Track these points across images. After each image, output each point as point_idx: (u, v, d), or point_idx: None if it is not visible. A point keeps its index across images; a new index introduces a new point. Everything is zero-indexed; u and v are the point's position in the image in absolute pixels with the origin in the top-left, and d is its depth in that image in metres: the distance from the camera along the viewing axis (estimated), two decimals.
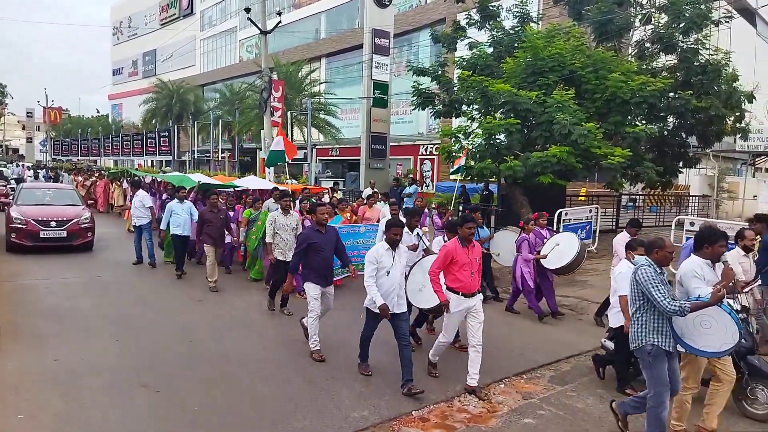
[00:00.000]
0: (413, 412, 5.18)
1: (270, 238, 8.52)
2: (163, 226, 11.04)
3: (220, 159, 39.14)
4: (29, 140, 67.08)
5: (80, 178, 26.25)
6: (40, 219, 12.31)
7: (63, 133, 66.32)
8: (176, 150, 41.80)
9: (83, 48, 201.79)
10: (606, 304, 7.78)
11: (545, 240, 9.09)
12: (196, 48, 57.45)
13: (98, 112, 71.21)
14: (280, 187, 12.35)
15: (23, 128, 74.32)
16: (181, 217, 10.75)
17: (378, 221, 10.50)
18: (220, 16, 54.61)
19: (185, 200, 11.10)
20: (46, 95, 54.23)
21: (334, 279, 8.97)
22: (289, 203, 8.85)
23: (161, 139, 40.43)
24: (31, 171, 36.77)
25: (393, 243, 5.87)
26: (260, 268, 10.58)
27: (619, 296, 5.84)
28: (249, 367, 6.09)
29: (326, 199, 14.90)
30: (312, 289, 6.55)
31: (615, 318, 6.11)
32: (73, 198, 14.36)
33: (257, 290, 9.89)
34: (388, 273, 5.79)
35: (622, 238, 7.76)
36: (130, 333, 7.15)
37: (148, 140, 42.04)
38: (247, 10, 18.10)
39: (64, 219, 12.53)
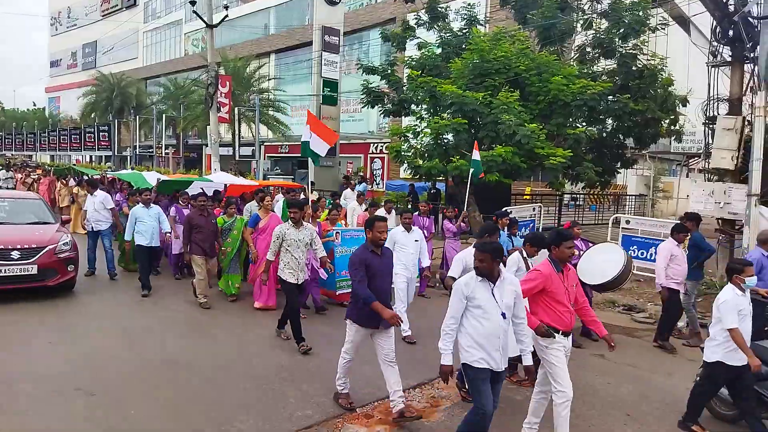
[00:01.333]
0: (357, 410, 5.19)
1: (272, 255, 6.77)
2: (128, 236, 9.48)
3: (163, 155, 38.04)
4: None
5: (20, 175, 23.93)
6: None
7: None
8: (116, 145, 40.41)
9: (18, 38, 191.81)
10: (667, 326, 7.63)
11: (581, 252, 7.94)
12: (139, 40, 55.53)
13: (35, 105, 68.08)
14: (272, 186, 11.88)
15: None
16: (148, 225, 9.27)
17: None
18: (165, 7, 53.03)
19: (151, 204, 9.61)
20: None
21: (339, 292, 8.59)
22: (298, 213, 6.84)
23: (101, 133, 39.07)
24: None
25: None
26: (234, 283, 9.02)
27: (730, 330, 4.67)
28: (199, 373, 5.94)
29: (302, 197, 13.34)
30: (354, 332, 5.10)
31: (712, 351, 4.92)
32: (41, 211, 9.70)
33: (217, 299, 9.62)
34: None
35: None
36: (69, 338, 6.86)
37: (87, 135, 40.54)
38: (193, 2, 17.63)
39: (33, 246, 8.25)
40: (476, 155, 10.94)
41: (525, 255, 6.14)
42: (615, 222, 12.97)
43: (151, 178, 13.27)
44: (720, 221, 10.20)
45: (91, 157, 45.92)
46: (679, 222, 8.04)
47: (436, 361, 4.15)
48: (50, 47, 72.91)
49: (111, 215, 10.45)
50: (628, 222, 12.04)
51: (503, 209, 13.21)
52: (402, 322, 5.03)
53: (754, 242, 8.78)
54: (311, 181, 13.63)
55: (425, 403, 5.45)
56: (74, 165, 35.14)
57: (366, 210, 11.29)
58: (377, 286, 4.95)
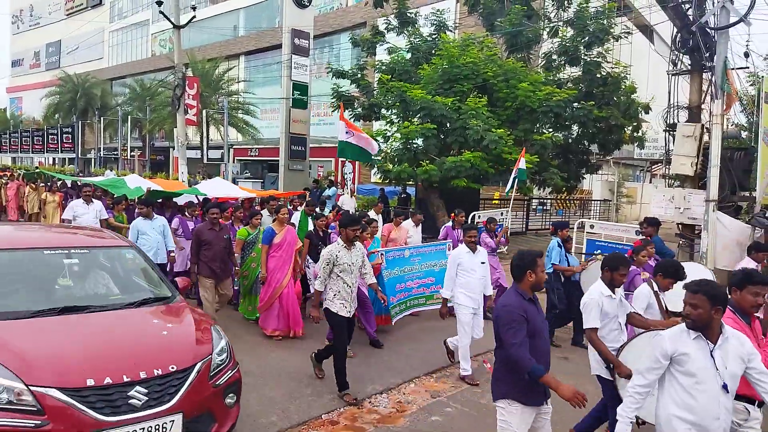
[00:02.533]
0: (323, 416, 5.15)
1: (321, 285, 5.53)
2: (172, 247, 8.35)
3: (129, 157, 37.28)
4: None
5: None
6: (77, 388, 3.36)
7: None
8: (80, 147, 39.44)
9: None
10: None
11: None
12: (104, 40, 54.38)
13: None
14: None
15: None
16: (152, 239, 8.11)
17: (405, 242, 8.98)
18: (131, 7, 52.02)
19: (155, 216, 8.43)
20: None
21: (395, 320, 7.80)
22: (357, 231, 5.74)
23: (64, 135, 38.07)
24: None
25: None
26: (255, 306, 7.82)
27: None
28: None
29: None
30: (518, 416, 3.56)
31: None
32: (138, 269, 5.02)
33: None
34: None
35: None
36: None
37: (50, 136, 39.44)
38: (159, 3, 17.33)
39: (171, 369, 3.68)
40: (522, 163, 10.56)
41: (657, 288, 4.77)
42: (580, 226, 13.20)
43: (133, 183, 11.84)
44: (680, 226, 10.48)
45: (54, 159, 44.66)
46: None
47: (401, 364, 4.13)
48: (11, 46, 70.78)
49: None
50: (592, 227, 12.26)
51: (473, 213, 13.34)
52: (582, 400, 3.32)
53: (712, 246, 9.06)
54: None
55: (391, 408, 5.45)
56: (38, 168, 34.16)
57: (392, 221, 9.68)
58: (539, 346, 3.55)
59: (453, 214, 9.86)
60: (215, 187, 11.86)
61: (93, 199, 9.48)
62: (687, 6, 9.99)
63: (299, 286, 7.75)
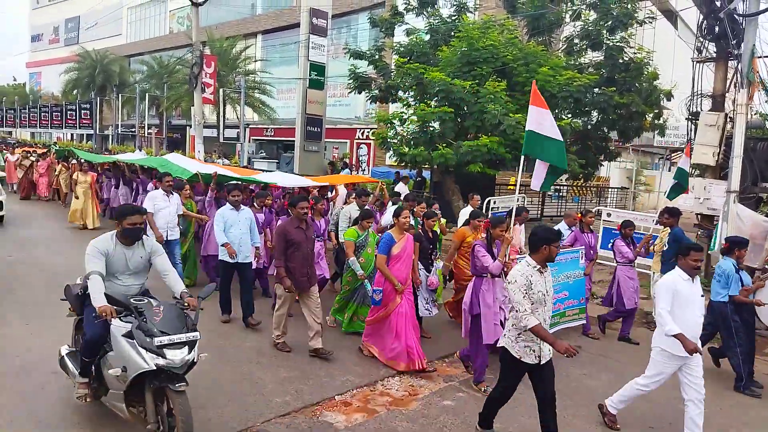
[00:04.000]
0: (336, 397, 5.21)
1: (534, 320, 4.00)
2: (221, 240, 6.93)
3: (146, 135, 37.56)
4: None
5: (14, 157, 19.06)
6: None
7: None
8: (98, 124, 39.76)
9: None
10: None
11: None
12: (122, 16, 54.40)
13: (15, 80, 66.56)
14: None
15: None
16: (237, 234, 7.01)
17: (521, 249, 8.00)
18: None
19: (242, 205, 7.26)
20: None
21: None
22: (556, 246, 4.22)
23: (82, 111, 38.44)
24: None
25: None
26: (357, 315, 6.91)
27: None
28: None
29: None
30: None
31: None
32: None
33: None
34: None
35: None
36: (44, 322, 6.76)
37: (68, 112, 39.86)
38: None
39: None
40: (685, 163, 9.52)
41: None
42: (597, 214, 13.08)
43: (180, 162, 10.57)
44: (699, 216, 10.33)
45: (72, 135, 45.18)
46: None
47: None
48: (31, 21, 71.10)
49: (184, 220, 8.60)
50: (609, 215, 12.15)
51: (488, 198, 13.26)
52: None
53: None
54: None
55: (403, 391, 5.48)
56: (56, 143, 34.49)
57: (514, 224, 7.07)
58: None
59: (473, 197, 9.89)
60: (285, 177, 11.04)
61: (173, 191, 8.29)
62: None
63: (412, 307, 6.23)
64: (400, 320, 5.94)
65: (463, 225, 7.42)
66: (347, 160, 25.88)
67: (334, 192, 11.30)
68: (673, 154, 23.22)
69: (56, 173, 16.64)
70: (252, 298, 7.07)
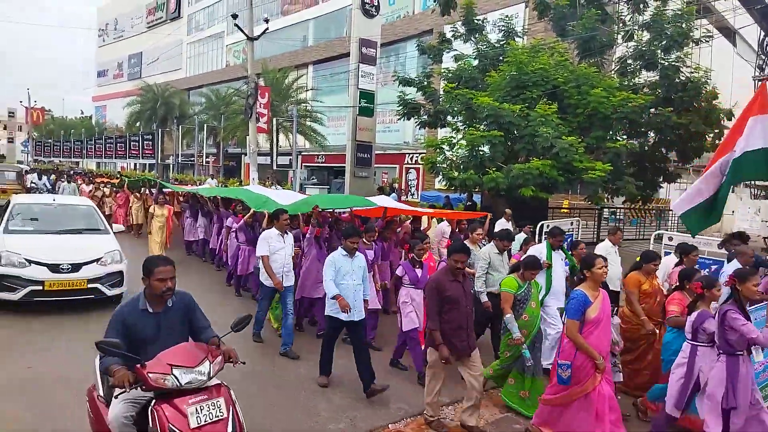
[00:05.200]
0: (389, 425, 5.17)
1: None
2: (331, 292, 5.77)
3: (204, 163, 39.00)
4: (11, 141, 66.24)
5: (87, 187, 19.20)
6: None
7: (45, 134, 65.58)
8: (160, 154, 41.57)
9: (68, 48, 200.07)
10: None
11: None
12: (182, 52, 57.22)
13: (82, 113, 70.70)
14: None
15: (4, 128, 73.32)
16: (353, 283, 5.95)
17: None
18: (208, 20, 54.50)
19: (356, 253, 6.12)
20: (29, 95, 53.33)
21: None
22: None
23: (145, 142, 40.25)
24: (36, 175, 26.18)
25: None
26: (523, 388, 5.61)
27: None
28: (227, 378, 6.03)
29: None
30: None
31: None
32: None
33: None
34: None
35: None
36: None
37: (132, 143, 41.83)
38: (234, 16, 18.12)
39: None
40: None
41: None
42: (657, 238, 12.63)
43: (277, 197, 9.81)
44: (767, 240, 9.84)
45: (135, 165, 47.38)
46: None
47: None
48: (97, 57, 75.77)
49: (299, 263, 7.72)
50: (671, 239, 11.68)
51: (541, 222, 13.05)
52: None
53: None
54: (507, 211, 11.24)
55: (458, 421, 5.39)
56: (120, 172, 36.17)
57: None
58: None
59: (506, 212, 9.69)
60: (385, 201, 10.11)
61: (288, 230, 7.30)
62: None
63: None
64: (601, 403, 4.58)
65: (632, 269, 6.26)
66: (396, 185, 26.03)
67: (427, 224, 10.94)
68: None
69: (129, 204, 16.17)
70: (370, 360, 5.78)
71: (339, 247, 6.14)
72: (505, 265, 6.74)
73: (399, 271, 6.58)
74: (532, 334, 5.55)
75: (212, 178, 28.68)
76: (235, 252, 9.80)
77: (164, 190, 14.60)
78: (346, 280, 5.90)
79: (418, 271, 6.47)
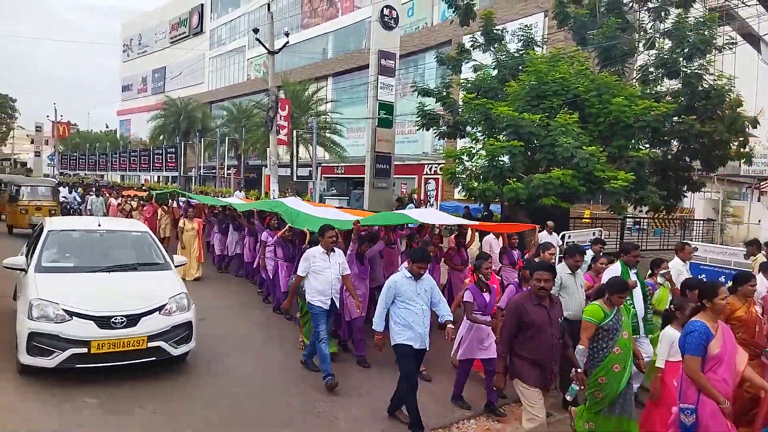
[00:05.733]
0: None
1: None
2: (379, 326, 5.40)
3: (225, 175, 39.46)
4: (37, 154, 67.70)
5: (116, 201, 18.94)
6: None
7: (71, 148, 67.04)
8: (182, 166, 42.18)
9: (93, 63, 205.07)
10: None
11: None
12: (204, 66, 58.20)
13: (107, 127, 72.13)
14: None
15: (32, 142, 75.04)
16: (421, 309, 5.34)
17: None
18: (230, 35, 55.41)
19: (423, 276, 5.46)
20: (55, 110, 54.77)
21: None
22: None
23: (168, 155, 40.88)
24: (66, 189, 24.91)
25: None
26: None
27: None
28: (251, 389, 6.06)
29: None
30: None
31: None
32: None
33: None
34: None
35: None
36: None
37: (155, 156, 42.50)
38: (256, 30, 18.36)
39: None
40: None
41: None
42: (681, 249, 12.39)
43: (302, 208, 9.55)
44: None
45: (158, 177, 48.13)
46: None
47: None
48: (122, 72, 77.46)
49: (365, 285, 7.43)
50: (696, 249, 11.48)
51: (562, 233, 12.91)
52: None
53: None
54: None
55: None
56: (143, 185, 36.71)
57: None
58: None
59: (548, 225, 9.46)
60: (429, 214, 9.67)
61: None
62: None
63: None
64: None
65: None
66: (415, 196, 26.01)
67: (470, 237, 9.94)
68: (762, 183, 21.82)
69: (158, 217, 15.83)
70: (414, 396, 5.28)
71: (402, 268, 5.62)
72: (578, 286, 6.15)
73: (467, 296, 5.83)
74: (627, 369, 4.74)
75: (240, 191, 28.61)
76: (275, 269, 9.46)
77: (191, 202, 14.47)
78: (412, 304, 5.29)
79: (486, 296, 5.85)
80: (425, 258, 5.45)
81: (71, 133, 69.29)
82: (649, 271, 6.92)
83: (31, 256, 6.66)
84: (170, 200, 16.78)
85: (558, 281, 5.87)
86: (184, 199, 15.42)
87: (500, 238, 9.85)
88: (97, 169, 55.47)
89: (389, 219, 8.64)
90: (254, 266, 11.23)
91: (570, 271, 6.15)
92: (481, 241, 10.48)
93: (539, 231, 9.71)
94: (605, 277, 6.04)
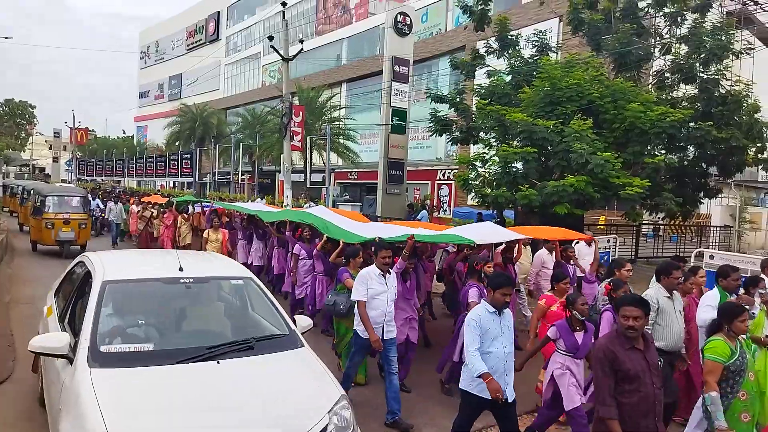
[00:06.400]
0: None
1: None
2: (478, 368, 4.20)
3: (239, 181, 39.76)
4: (55, 160, 68.71)
5: (136, 208, 18.16)
6: None
7: (88, 154, 67.95)
8: (198, 172, 42.54)
9: (111, 70, 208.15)
10: None
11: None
12: (220, 73, 58.75)
13: (124, 133, 73.05)
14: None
15: (50, 148, 76.22)
16: (503, 353, 4.36)
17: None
18: (245, 42, 55.93)
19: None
20: (74, 116, 55.51)
21: None
22: None
23: (183, 161, 41.22)
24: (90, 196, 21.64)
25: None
26: None
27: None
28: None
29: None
30: None
31: None
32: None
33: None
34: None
35: None
36: None
37: (171, 162, 42.86)
38: (270, 38, 18.54)
39: None
40: None
41: None
42: (698, 256, 12.25)
43: (337, 221, 8.57)
44: None
45: (174, 183, 48.60)
46: None
47: None
48: (139, 79, 78.47)
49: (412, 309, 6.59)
50: (711, 257, 11.30)
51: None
52: None
53: None
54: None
55: None
56: (160, 191, 37.07)
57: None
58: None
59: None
60: (485, 232, 7.97)
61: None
62: None
63: None
64: None
65: None
66: (428, 202, 25.98)
67: (518, 251, 8.60)
68: None
69: (178, 225, 15.07)
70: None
71: (482, 301, 4.55)
72: (676, 312, 5.12)
73: (551, 333, 4.89)
74: (755, 419, 3.99)
75: (261, 198, 28.16)
76: (312, 283, 8.73)
77: (217, 208, 13.86)
78: (495, 346, 4.29)
79: (579, 336, 4.78)
80: (509, 282, 4.44)
81: (89, 139, 70.23)
82: (742, 291, 5.69)
83: (72, 322, 4.26)
84: (191, 207, 15.86)
85: (654, 306, 4.87)
86: (209, 203, 14.74)
87: (553, 253, 8.92)
88: (114, 174, 56.07)
89: (442, 238, 7.68)
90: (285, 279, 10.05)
91: (668, 294, 5.14)
92: (532, 254, 9.66)
93: (575, 243, 8.99)
94: (702, 308, 5.26)
